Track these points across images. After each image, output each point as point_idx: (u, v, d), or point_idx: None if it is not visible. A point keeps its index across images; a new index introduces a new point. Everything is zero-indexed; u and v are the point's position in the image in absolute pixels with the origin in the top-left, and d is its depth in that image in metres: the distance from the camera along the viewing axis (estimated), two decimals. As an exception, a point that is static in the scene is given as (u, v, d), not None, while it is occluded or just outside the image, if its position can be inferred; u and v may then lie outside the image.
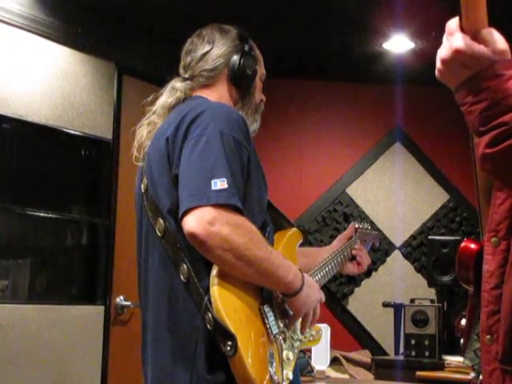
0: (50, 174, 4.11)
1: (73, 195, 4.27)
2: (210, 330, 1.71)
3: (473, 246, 1.67)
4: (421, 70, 4.86)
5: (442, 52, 1.39)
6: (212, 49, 2.03)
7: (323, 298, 1.98)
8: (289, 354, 1.86)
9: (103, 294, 4.27)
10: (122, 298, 4.33)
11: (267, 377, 1.72)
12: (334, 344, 4.45)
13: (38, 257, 4.07)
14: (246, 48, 2.06)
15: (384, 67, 5.03)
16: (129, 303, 4.33)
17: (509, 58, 1.35)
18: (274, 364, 1.77)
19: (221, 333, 1.69)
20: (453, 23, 1.36)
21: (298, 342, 1.93)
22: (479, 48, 1.34)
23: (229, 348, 1.67)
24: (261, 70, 2.13)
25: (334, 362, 4.40)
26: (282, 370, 1.81)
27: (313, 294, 1.90)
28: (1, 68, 3.81)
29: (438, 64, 1.40)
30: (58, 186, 4.15)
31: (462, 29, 1.35)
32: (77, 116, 4.18)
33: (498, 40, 1.35)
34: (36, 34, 3.99)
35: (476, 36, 1.34)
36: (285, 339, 1.86)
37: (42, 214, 4.01)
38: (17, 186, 3.94)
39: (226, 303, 1.72)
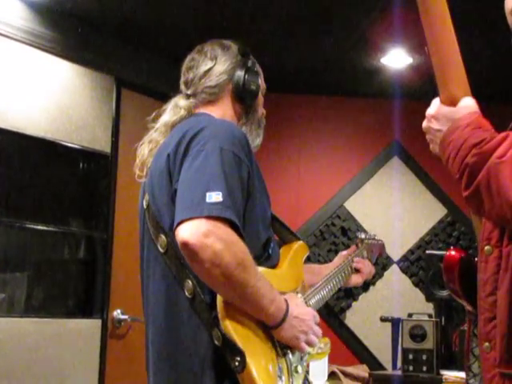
0: (47, 187, 4.11)
1: (71, 208, 4.26)
2: (218, 345, 1.70)
3: (454, 254, 1.71)
4: (418, 85, 4.88)
5: (423, 124, 1.56)
6: (215, 65, 2.03)
7: (317, 319, 1.92)
8: (298, 367, 1.85)
9: (100, 308, 4.26)
10: (119, 311, 4.32)
11: None
12: (332, 358, 4.44)
13: (35, 270, 4.06)
14: (249, 63, 2.07)
15: (382, 82, 5.04)
16: (126, 317, 4.32)
17: (469, 111, 1.48)
18: (284, 378, 1.76)
19: (229, 348, 1.68)
20: (435, 100, 1.54)
21: (307, 355, 1.91)
22: (446, 109, 1.50)
23: (237, 364, 1.66)
24: (262, 84, 2.13)
25: (332, 376, 4.39)
26: (292, 383, 1.80)
27: (300, 324, 1.83)
28: (0, 81, 3.82)
29: (426, 136, 1.57)
30: (56, 199, 4.15)
31: (442, 101, 1.52)
32: (75, 129, 4.18)
33: (467, 99, 1.50)
34: (35, 47, 3.99)
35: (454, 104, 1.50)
36: (293, 352, 1.85)
37: (39, 227, 4.01)
38: (14, 199, 3.93)
39: (234, 319, 1.71)
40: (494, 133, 1.43)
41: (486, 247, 1.52)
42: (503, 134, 1.40)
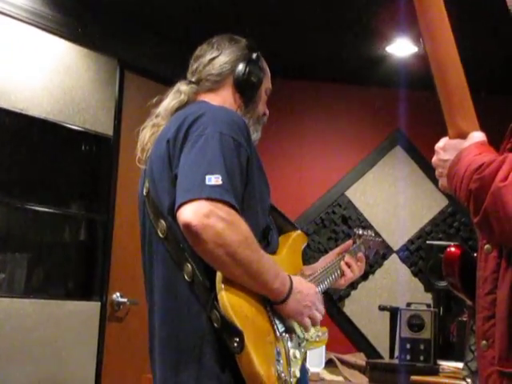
0: (49, 169, 4.11)
1: (72, 190, 4.27)
2: (217, 327, 1.72)
3: (455, 251, 1.71)
4: (423, 74, 4.84)
5: (433, 159, 1.59)
6: (220, 55, 2.07)
7: (319, 297, 1.95)
8: (296, 353, 1.86)
9: (100, 290, 4.27)
10: (118, 294, 4.33)
11: (274, 374, 1.73)
12: (329, 346, 4.43)
13: (36, 251, 4.07)
14: (254, 57, 2.09)
15: (386, 70, 5.03)
16: (125, 300, 4.33)
17: (475, 141, 1.49)
18: (281, 362, 1.77)
19: (228, 330, 1.69)
20: (445, 138, 1.56)
21: (305, 342, 1.93)
22: (454, 140, 1.52)
23: (236, 345, 1.68)
24: (267, 84, 2.16)
25: (329, 364, 4.39)
26: (289, 367, 1.81)
27: (304, 299, 1.86)
28: (2, 61, 3.81)
29: (436, 172, 1.60)
30: (58, 180, 4.15)
31: (450, 138, 1.54)
32: (78, 111, 4.18)
33: (476, 133, 1.50)
34: (38, 27, 3.98)
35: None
36: (291, 338, 1.87)
37: (40, 209, 4.01)
38: (16, 180, 3.93)
39: (233, 300, 1.72)
40: (495, 156, 1.43)
41: (486, 246, 1.53)
42: (502, 157, 1.40)
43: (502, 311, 1.45)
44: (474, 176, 1.40)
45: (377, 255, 2.65)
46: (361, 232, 2.53)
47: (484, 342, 1.49)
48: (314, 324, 1.91)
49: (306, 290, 1.89)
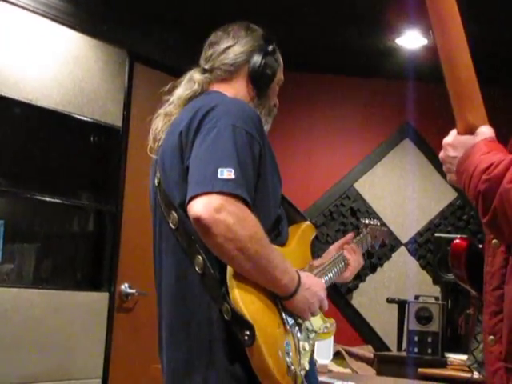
0: (58, 160, 4.11)
1: (81, 181, 4.28)
2: (228, 320, 1.72)
3: (461, 243, 1.70)
4: (433, 67, 4.81)
5: (440, 154, 1.57)
6: (235, 44, 2.05)
7: (324, 299, 1.93)
8: (305, 345, 1.86)
9: (108, 281, 4.28)
10: (126, 285, 4.34)
11: (284, 367, 1.73)
12: (337, 338, 4.45)
13: (44, 242, 4.08)
14: (270, 49, 2.07)
15: (396, 63, 5.01)
16: (133, 291, 4.34)
17: (483, 137, 1.47)
18: (291, 354, 1.77)
19: (238, 322, 1.69)
20: (453, 130, 1.55)
21: (314, 334, 1.93)
22: (463, 137, 1.51)
23: (247, 337, 1.67)
24: (279, 75, 2.14)
25: (337, 356, 4.40)
26: (299, 360, 1.81)
27: (312, 297, 1.86)
28: (12, 52, 3.82)
29: (443, 167, 1.57)
30: (66, 171, 4.16)
31: (459, 132, 1.53)
32: (87, 102, 4.18)
33: (484, 128, 1.49)
34: (48, 18, 3.99)
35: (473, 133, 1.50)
36: (300, 330, 1.87)
37: (49, 199, 4.02)
38: (25, 171, 3.94)
39: (244, 293, 1.72)
40: (504, 155, 1.42)
41: (494, 240, 1.52)
42: (510, 157, 1.40)
43: (509, 307, 1.45)
44: (482, 176, 1.40)
45: (382, 245, 2.65)
46: (367, 221, 2.53)
47: (491, 337, 1.49)
48: (313, 316, 1.91)
49: (314, 287, 1.89)
